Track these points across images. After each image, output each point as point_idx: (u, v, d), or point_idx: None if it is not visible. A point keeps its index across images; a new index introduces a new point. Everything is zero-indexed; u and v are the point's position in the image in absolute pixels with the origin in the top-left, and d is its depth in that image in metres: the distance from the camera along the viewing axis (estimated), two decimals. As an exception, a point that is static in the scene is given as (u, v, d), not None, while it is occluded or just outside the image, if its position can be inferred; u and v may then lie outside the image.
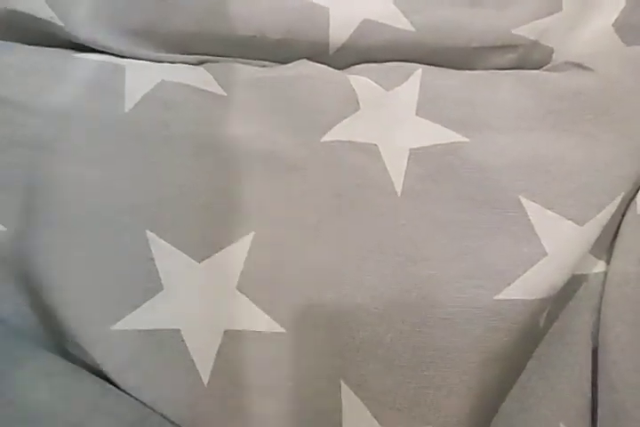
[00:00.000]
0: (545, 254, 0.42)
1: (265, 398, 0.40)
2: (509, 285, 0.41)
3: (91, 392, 0.37)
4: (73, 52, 0.50)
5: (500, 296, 0.41)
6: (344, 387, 0.40)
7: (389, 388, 0.40)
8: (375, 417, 0.40)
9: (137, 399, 0.39)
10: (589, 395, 0.42)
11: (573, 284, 0.44)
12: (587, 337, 0.43)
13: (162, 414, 0.39)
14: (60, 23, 0.49)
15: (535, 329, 0.42)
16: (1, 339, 0.38)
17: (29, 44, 0.50)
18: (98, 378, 0.39)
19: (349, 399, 0.40)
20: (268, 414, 0.40)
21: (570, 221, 0.43)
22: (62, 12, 0.49)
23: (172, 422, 0.39)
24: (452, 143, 0.46)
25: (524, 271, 0.41)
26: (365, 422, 0.40)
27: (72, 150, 0.43)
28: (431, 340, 0.40)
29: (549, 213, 0.43)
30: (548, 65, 0.53)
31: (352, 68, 0.52)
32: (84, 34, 0.50)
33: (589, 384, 0.42)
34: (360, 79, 0.49)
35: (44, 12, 0.49)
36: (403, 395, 0.40)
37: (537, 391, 0.42)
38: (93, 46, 0.50)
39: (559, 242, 0.42)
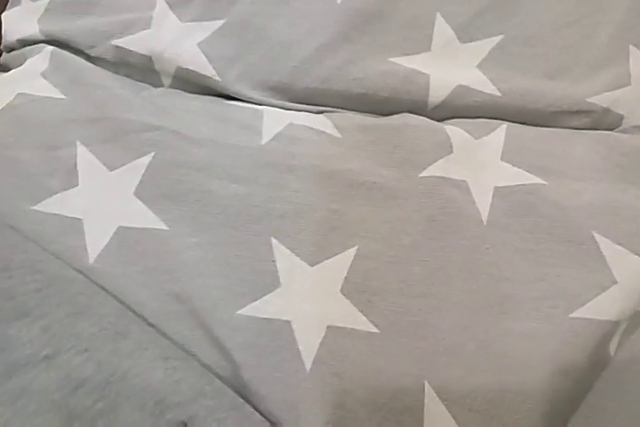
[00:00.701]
0: (615, 282, 0.48)
1: (357, 388, 0.45)
2: (583, 306, 0.47)
3: (199, 378, 0.41)
4: (224, 99, 0.64)
5: (574, 315, 0.46)
6: (427, 388, 0.45)
7: (470, 391, 0.45)
8: (454, 417, 0.44)
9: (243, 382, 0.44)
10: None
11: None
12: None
13: (263, 395, 0.44)
14: (218, 79, 0.63)
15: (605, 351, 0.47)
16: (132, 324, 0.43)
17: (190, 92, 0.64)
18: (204, 369, 0.44)
19: (431, 399, 0.45)
20: (359, 402, 0.44)
21: (637, 257, 0.49)
22: (220, 71, 0.63)
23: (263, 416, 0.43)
24: (533, 184, 0.53)
25: (596, 295, 0.47)
26: (445, 421, 0.44)
27: (220, 171, 0.54)
28: (511, 349, 0.45)
29: (619, 247, 0.49)
30: (619, 128, 0.61)
31: (446, 121, 0.62)
32: (234, 88, 0.63)
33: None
34: (454, 129, 0.58)
35: (208, 71, 0.63)
36: (482, 398, 0.44)
37: (609, 412, 0.45)
38: (240, 97, 0.63)
39: (628, 273, 0.48)
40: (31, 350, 0.36)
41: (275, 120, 0.60)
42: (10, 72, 0.64)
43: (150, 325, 0.46)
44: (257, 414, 0.43)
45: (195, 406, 0.38)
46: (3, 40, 0.70)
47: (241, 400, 0.43)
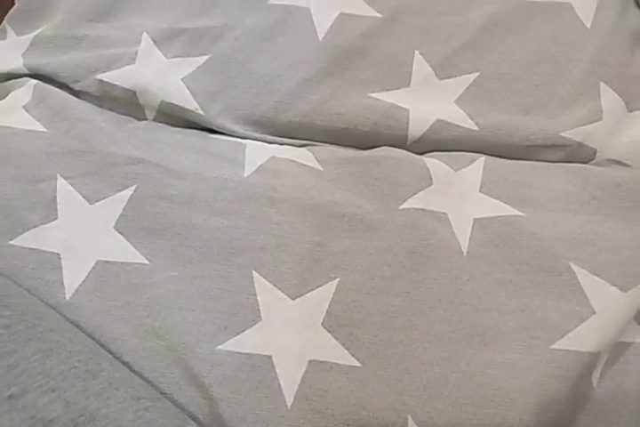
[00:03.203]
0: (594, 313, 0.48)
1: (339, 424, 0.45)
2: (563, 337, 0.47)
3: (171, 420, 0.40)
4: (207, 133, 0.64)
5: (555, 346, 0.47)
6: (410, 422, 0.45)
7: (453, 425, 0.44)
8: (438, 453, 0.44)
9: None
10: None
11: (621, 349, 0.49)
12: (638, 396, 0.47)
13: None
14: (202, 113, 0.64)
15: (588, 383, 0.47)
16: (104, 363, 0.42)
17: (174, 126, 0.65)
18: (178, 410, 0.43)
19: (415, 434, 0.44)
20: (342, 439, 0.44)
21: (614, 287, 0.50)
22: (204, 105, 0.64)
23: None
24: (510, 216, 0.54)
25: (575, 326, 0.48)
26: (429, 456, 0.44)
27: (202, 204, 0.54)
28: (493, 380, 0.45)
29: (596, 278, 0.50)
30: (593, 161, 0.63)
31: (426, 154, 0.63)
32: (217, 121, 0.64)
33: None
34: (433, 161, 0.59)
35: (191, 105, 0.64)
36: (465, 431, 0.44)
37: None
38: (224, 131, 0.64)
39: (606, 303, 0.49)
40: (-4, 389, 0.35)
41: (257, 153, 0.60)
42: (-8, 105, 0.65)
43: (125, 363, 0.45)
44: None
45: None
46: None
47: None
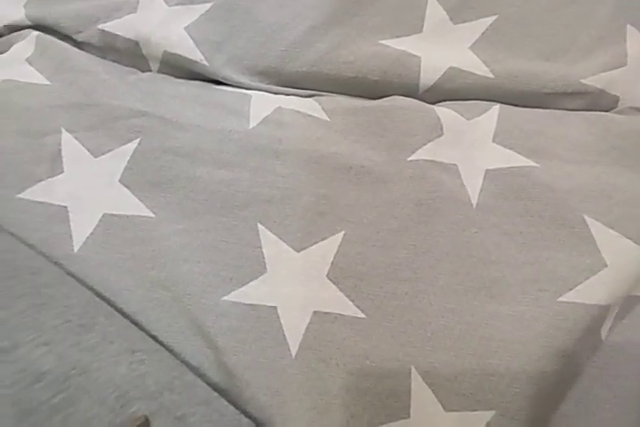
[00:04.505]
0: (605, 266, 0.47)
1: (343, 373, 0.45)
2: (571, 290, 0.46)
3: (167, 372, 0.41)
4: (212, 84, 0.63)
5: (563, 299, 0.46)
6: (414, 372, 0.45)
7: (456, 375, 0.44)
8: (440, 401, 0.44)
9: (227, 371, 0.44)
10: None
11: (633, 303, 0.48)
12: (647, 349, 0.46)
13: (247, 380, 0.44)
14: (206, 64, 0.62)
15: (596, 336, 0.46)
16: (99, 316, 0.42)
17: (179, 77, 0.63)
18: (177, 360, 0.44)
19: (418, 384, 0.44)
20: (344, 387, 0.44)
21: (629, 240, 0.48)
22: (208, 56, 0.62)
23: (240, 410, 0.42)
24: (524, 167, 0.52)
25: (585, 279, 0.46)
26: (431, 405, 0.44)
27: (206, 156, 0.54)
28: (497, 332, 0.45)
29: (610, 231, 0.48)
30: (615, 109, 0.60)
31: (438, 103, 0.60)
32: (222, 72, 0.62)
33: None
34: (444, 110, 0.57)
35: (195, 55, 0.62)
36: (468, 382, 0.44)
37: (600, 397, 0.45)
38: (229, 82, 0.62)
39: (619, 256, 0.47)
40: (-13, 343, 0.35)
41: (263, 104, 0.59)
42: (-5, 58, 0.64)
43: (131, 313, 0.46)
44: (231, 407, 0.42)
45: (159, 400, 0.37)
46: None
47: (214, 394, 0.42)
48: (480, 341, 0.45)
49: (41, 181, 0.52)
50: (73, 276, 0.46)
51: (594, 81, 0.59)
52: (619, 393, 0.45)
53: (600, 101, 0.60)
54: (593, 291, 0.45)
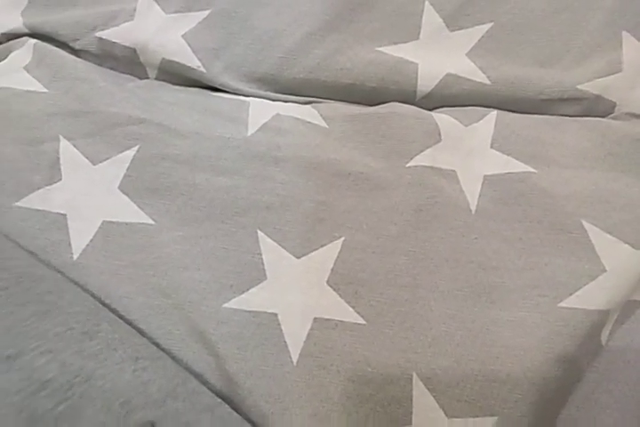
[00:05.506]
0: (604, 271, 0.47)
1: (344, 380, 0.45)
2: (571, 295, 0.46)
3: (170, 379, 0.40)
4: (210, 91, 0.63)
5: (563, 304, 0.46)
6: (415, 379, 0.45)
7: (458, 381, 0.44)
8: (442, 408, 0.44)
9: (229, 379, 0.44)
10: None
11: (632, 308, 0.48)
12: (647, 354, 0.46)
13: (249, 387, 0.44)
14: (204, 71, 0.62)
15: (597, 341, 0.46)
16: (102, 324, 0.42)
17: (176, 84, 0.63)
18: (180, 367, 0.43)
19: (420, 390, 0.44)
20: (346, 394, 0.44)
21: (627, 245, 0.48)
22: (206, 63, 0.62)
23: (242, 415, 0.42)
24: (522, 172, 0.53)
25: (585, 284, 0.47)
26: (433, 412, 0.44)
27: (205, 163, 0.54)
28: (499, 338, 0.45)
29: (609, 236, 0.49)
30: (611, 115, 0.60)
31: (435, 110, 0.61)
32: (220, 79, 0.62)
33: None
34: (442, 116, 0.58)
35: (193, 62, 0.62)
36: (470, 388, 0.44)
37: (601, 402, 0.45)
38: (227, 89, 0.63)
39: (617, 261, 0.47)
40: (-7, 351, 0.35)
41: (261, 111, 0.59)
42: (-7, 66, 0.64)
43: (131, 321, 0.45)
44: (235, 414, 0.42)
45: (162, 408, 0.37)
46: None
47: (218, 400, 0.42)
48: (481, 347, 0.45)
49: (39, 188, 0.52)
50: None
51: (590, 87, 0.60)
52: (619, 398, 0.45)
53: (596, 107, 0.60)
54: (593, 296, 0.46)
